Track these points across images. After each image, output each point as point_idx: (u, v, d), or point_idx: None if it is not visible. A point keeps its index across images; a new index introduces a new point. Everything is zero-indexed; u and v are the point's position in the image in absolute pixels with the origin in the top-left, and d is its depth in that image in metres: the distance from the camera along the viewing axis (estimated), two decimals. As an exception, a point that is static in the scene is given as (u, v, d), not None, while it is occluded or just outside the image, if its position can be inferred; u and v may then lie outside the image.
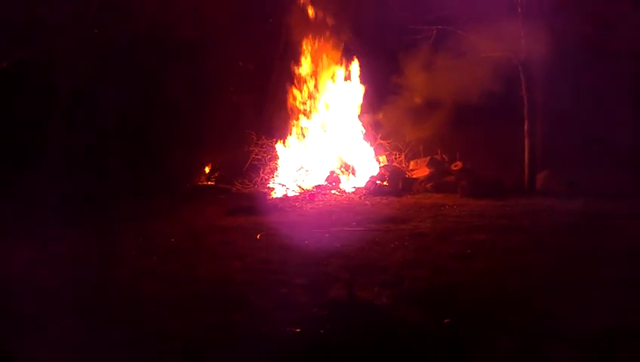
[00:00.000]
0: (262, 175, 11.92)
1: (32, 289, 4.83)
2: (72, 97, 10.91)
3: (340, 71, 12.66)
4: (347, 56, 12.65)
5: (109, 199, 9.85)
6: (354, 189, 11.17)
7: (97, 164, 10.77)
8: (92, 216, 8.53)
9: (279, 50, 13.02)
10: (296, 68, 12.57)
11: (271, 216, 8.54)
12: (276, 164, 12.09)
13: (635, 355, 3.58)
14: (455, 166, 11.56)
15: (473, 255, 5.91)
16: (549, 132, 11.49)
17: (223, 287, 4.89)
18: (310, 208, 9.50)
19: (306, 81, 12.57)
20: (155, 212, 8.95)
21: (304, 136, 12.48)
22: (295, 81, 12.58)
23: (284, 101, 12.61)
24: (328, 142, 12.26)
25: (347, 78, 12.67)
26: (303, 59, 12.56)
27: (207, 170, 12.65)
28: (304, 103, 12.58)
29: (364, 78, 12.60)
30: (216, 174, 12.49)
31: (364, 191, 10.88)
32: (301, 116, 12.56)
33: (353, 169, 11.94)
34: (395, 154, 12.59)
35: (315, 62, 12.60)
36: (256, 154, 12.27)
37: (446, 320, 4.03)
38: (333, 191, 11.01)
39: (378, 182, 11.17)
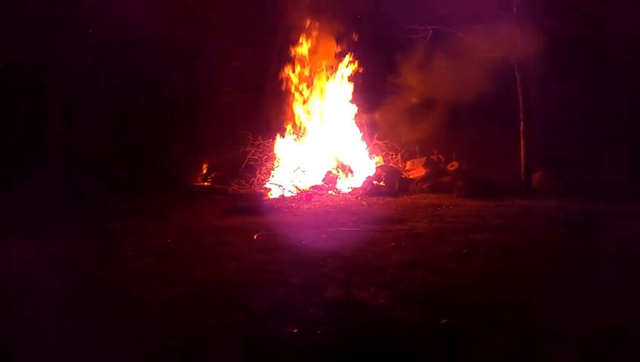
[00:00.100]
0: (258, 175, 11.92)
1: (31, 289, 4.82)
2: (71, 97, 10.90)
3: (336, 72, 12.64)
4: (344, 57, 12.64)
5: (108, 199, 9.84)
6: (350, 190, 11.18)
7: (97, 164, 10.76)
8: (91, 216, 8.51)
9: (276, 51, 13.02)
10: (292, 68, 12.56)
11: (267, 217, 8.55)
12: (273, 164, 12.08)
13: (635, 355, 3.59)
14: (451, 166, 11.59)
15: (470, 255, 5.92)
16: (544, 132, 11.53)
17: (220, 288, 4.88)
18: (307, 208, 9.50)
19: (303, 82, 12.57)
20: (153, 212, 8.95)
21: (301, 136, 12.47)
22: (292, 81, 12.58)
23: (281, 101, 12.60)
24: (325, 143, 12.25)
25: (343, 78, 12.66)
26: (299, 60, 12.56)
27: (203, 170, 12.64)
28: (301, 104, 12.57)
29: (360, 79, 12.60)
30: (212, 175, 12.48)
31: (360, 192, 10.89)
32: (298, 116, 12.56)
33: (350, 169, 11.94)
34: (392, 155, 12.60)
35: (312, 62, 12.60)
36: (252, 155, 12.26)
37: (443, 321, 4.03)
38: (329, 192, 11.01)
39: (375, 182, 11.20)
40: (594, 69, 11.52)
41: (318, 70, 12.63)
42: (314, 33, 12.56)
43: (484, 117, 11.76)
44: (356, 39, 12.47)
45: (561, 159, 11.45)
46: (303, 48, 12.54)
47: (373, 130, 12.72)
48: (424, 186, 11.18)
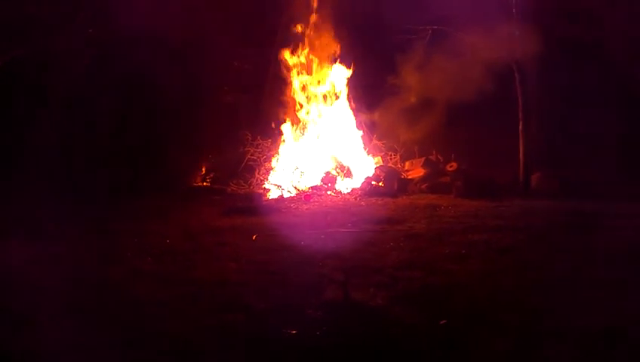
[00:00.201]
0: (257, 176, 11.92)
1: (31, 289, 4.84)
2: (71, 97, 10.90)
3: (335, 72, 12.66)
4: (344, 57, 12.65)
5: (108, 199, 9.85)
6: (349, 190, 11.19)
7: (97, 163, 10.77)
8: (91, 216, 8.53)
9: (276, 50, 13.01)
10: (291, 68, 12.58)
11: (266, 217, 8.54)
12: (272, 164, 12.09)
13: (635, 355, 3.61)
14: (450, 166, 11.60)
15: (468, 255, 5.94)
16: (543, 132, 11.53)
17: (219, 288, 4.90)
18: (306, 209, 9.51)
19: (302, 82, 12.58)
20: (153, 212, 8.95)
21: (300, 137, 12.48)
22: (291, 81, 12.59)
23: (280, 102, 12.60)
24: (324, 143, 12.26)
25: (343, 78, 12.67)
26: (298, 59, 12.57)
27: (202, 170, 12.65)
28: (300, 104, 12.58)
29: (359, 79, 12.60)
30: (211, 175, 12.48)
31: (359, 192, 10.89)
32: (297, 117, 12.56)
33: (349, 170, 11.95)
34: (391, 155, 12.61)
35: (311, 62, 12.60)
36: (251, 155, 12.27)
37: (441, 321, 4.05)
38: (328, 192, 11.02)
39: (373, 183, 11.20)
40: (594, 69, 11.51)
41: (318, 70, 12.63)
42: (313, 33, 12.56)
43: (483, 117, 11.74)
44: (356, 39, 12.46)
45: (560, 159, 11.45)
46: (303, 48, 12.55)
47: (372, 130, 12.72)
48: (423, 187, 11.19)
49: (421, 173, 11.65)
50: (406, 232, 7.11)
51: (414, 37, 11.80)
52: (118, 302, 4.60)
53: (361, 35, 12.46)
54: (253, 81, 13.12)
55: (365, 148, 12.54)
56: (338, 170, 11.85)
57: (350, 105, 12.62)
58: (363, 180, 11.32)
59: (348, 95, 12.61)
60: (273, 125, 12.50)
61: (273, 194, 11.00)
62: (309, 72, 12.60)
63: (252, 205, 9.49)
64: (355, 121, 12.61)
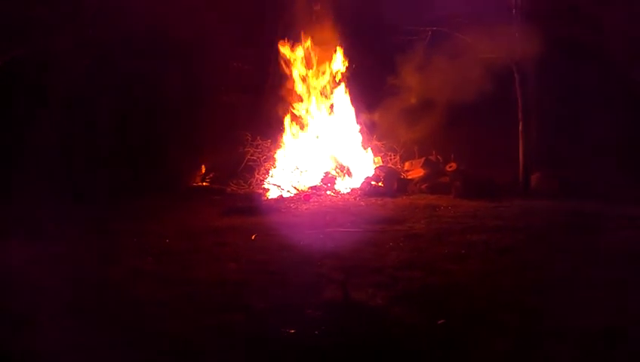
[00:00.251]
0: (257, 176, 11.92)
1: (31, 289, 4.84)
2: (71, 97, 10.90)
3: (335, 72, 12.66)
4: (343, 57, 12.65)
5: (108, 199, 9.85)
6: (349, 190, 11.19)
7: (96, 163, 10.78)
8: (91, 216, 8.53)
9: (276, 50, 13.02)
10: (291, 69, 12.58)
11: (266, 217, 8.55)
12: (271, 164, 12.09)
13: (635, 355, 3.61)
14: (450, 167, 11.60)
15: (468, 256, 5.94)
16: (543, 132, 11.54)
17: (219, 288, 4.91)
18: (305, 209, 9.51)
19: (302, 81, 12.58)
20: (153, 212, 8.96)
21: (300, 137, 12.48)
22: (290, 81, 12.59)
23: (280, 102, 12.60)
24: (323, 143, 12.26)
25: (342, 79, 12.67)
26: (298, 59, 12.57)
27: (202, 170, 12.65)
28: (300, 105, 12.58)
29: (359, 79, 12.61)
30: (211, 175, 12.49)
31: (359, 192, 10.89)
32: (297, 117, 12.56)
33: (348, 170, 11.95)
34: (391, 155, 12.61)
35: (310, 63, 12.61)
36: (251, 155, 12.27)
37: (441, 321, 4.05)
38: (328, 192, 11.02)
39: (373, 183, 11.20)
40: (593, 70, 11.51)
41: (317, 70, 12.63)
42: (313, 33, 12.56)
43: (483, 117, 11.74)
44: (356, 40, 12.47)
45: (560, 159, 11.45)
46: (302, 48, 12.55)
47: (372, 130, 12.72)
48: (422, 187, 11.19)
49: (421, 174, 11.65)
50: (406, 232, 7.10)
51: (414, 38, 11.80)
52: (118, 302, 4.60)
53: (361, 35, 12.47)
54: (253, 81, 13.11)
55: (365, 149, 12.53)
56: (338, 170, 11.85)
57: (350, 101, 12.61)
58: (363, 180, 11.33)
59: (346, 87, 12.60)
60: (273, 125, 12.50)
61: (273, 194, 11.01)
62: (309, 66, 12.59)
63: (252, 205, 9.49)
64: (355, 120, 12.60)
